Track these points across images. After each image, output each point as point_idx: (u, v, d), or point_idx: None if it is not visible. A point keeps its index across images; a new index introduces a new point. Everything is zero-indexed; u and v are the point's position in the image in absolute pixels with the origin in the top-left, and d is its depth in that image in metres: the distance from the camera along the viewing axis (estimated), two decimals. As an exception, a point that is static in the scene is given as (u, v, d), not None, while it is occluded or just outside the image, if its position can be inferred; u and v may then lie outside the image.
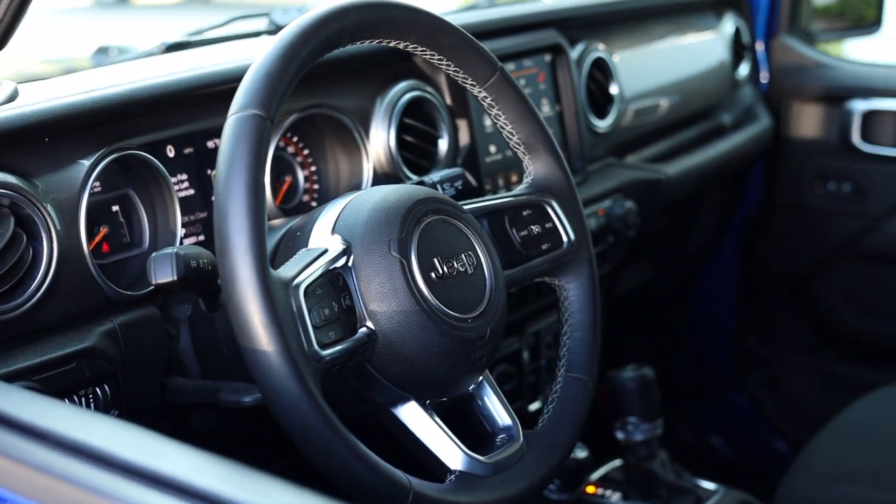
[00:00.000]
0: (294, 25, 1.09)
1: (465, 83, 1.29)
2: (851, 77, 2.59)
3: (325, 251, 1.10)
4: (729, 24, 2.52)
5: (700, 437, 2.91)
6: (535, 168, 1.35)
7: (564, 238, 1.34)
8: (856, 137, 2.55)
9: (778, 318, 2.83)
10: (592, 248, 1.37)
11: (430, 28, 1.23)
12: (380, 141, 1.51)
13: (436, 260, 1.15)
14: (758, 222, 2.77)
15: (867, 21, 2.90)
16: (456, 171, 1.42)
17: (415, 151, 1.58)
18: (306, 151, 1.51)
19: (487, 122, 1.69)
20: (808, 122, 2.64)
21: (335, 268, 1.10)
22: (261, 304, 0.96)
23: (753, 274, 2.83)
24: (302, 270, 1.05)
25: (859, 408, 2.09)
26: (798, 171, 2.66)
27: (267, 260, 0.98)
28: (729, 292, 2.87)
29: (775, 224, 2.74)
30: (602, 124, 1.97)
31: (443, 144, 1.61)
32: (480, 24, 1.71)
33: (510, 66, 1.75)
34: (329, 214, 1.16)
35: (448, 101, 1.63)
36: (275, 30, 1.73)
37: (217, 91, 1.33)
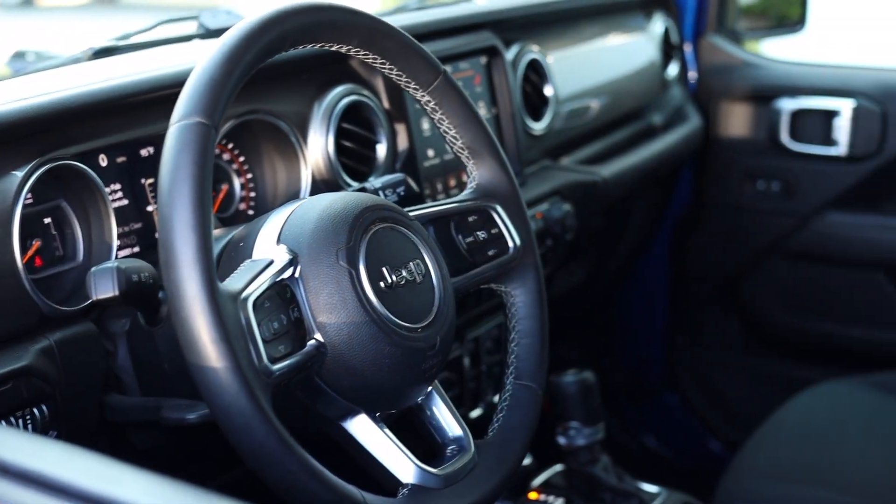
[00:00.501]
0: (236, 30, 1.06)
1: (408, 87, 1.27)
2: (779, 76, 2.61)
3: (271, 262, 1.07)
4: (658, 25, 2.53)
5: (635, 438, 2.92)
6: (479, 173, 1.33)
7: (510, 244, 1.33)
8: (784, 136, 2.57)
9: (709, 318, 2.85)
10: (538, 253, 1.36)
11: (373, 31, 1.21)
12: (318, 147, 1.48)
13: (384, 269, 1.12)
14: (688, 222, 2.78)
15: (791, 20, 2.93)
16: (398, 176, 1.40)
17: (353, 157, 1.55)
18: (242, 158, 1.47)
19: (425, 125, 1.67)
20: (736, 121, 2.66)
21: (282, 279, 1.06)
22: (210, 319, 0.93)
23: (684, 274, 2.84)
24: (249, 283, 1.02)
25: (794, 406, 2.11)
26: (727, 171, 2.67)
27: (215, 273, 0.95)
28: (660, 292, 2.88)
29: (705, 224, 2.76)
30: (537, 126, 1.95)
31: (381, 149, 1.58)
32: (415, 27, 1.68)
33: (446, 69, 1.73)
34: (273, 224, 1.13)
35: (386, 104, 1.60)
36: (205, 34, 1.69)
37: (151, 98, 1.28)
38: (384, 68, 1.24)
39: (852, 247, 2.56)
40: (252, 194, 1.48)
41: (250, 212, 1.47)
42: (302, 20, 1.12)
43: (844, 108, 2.50)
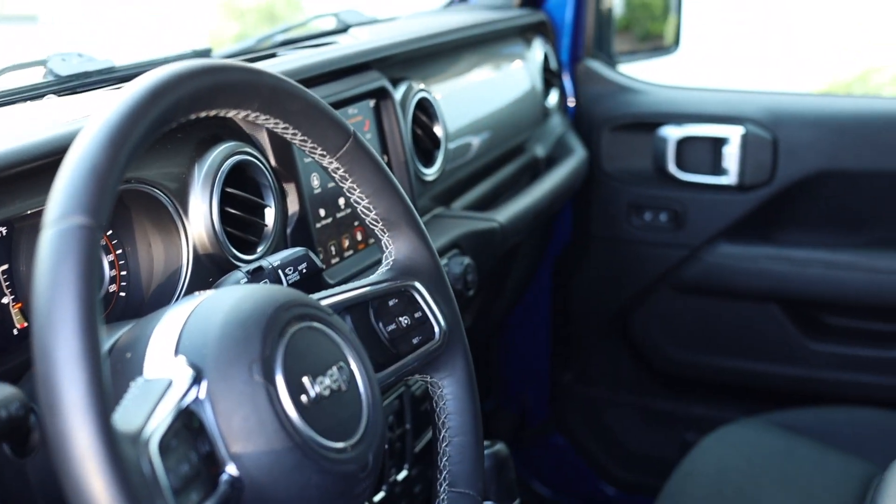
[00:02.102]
0: (120, 105, 0.85)
1: (314, 154, 1.08)
2: (663, 102, 2.50)
3: (171, 383, 0.87)
4: (537, 51, 2.39)
5: (522, 483, 2.77)
6: (396, 247, 1.15)
7: (436, 328, 1.15)
8: (671, 165, 2.46)
9: (597, 355, 2.73)
10: (465, 336, 1.19)
11: (275, 92, 1.02)
12: (200, 216, 1.27)
13: (306, 379, 0.93)
14: (571, 256, 2.66)
15: (656, 36, 2.84)
16: (298, 252, 1.21)
17: (238, 224, 1.34)
18: (110, 232, 1.25)
19: (315, 181, 1.48)
20: (620, 150, 2.54)
21: (187, 405, 0.86)
22: (108, 479, 0.73)
23: (569, 310, 2.71)
24: (149, 416, 0.82)
25: (702, 454, 1.99)
26: (612, 202, 2.55)
27: (110, 417, 0.75)
28: (543, 330, 2.75)
29: (590, 257, 2.63)
30: (430, 171, 1.78)
31: (270, 214, 1.38)
32: (298, 72, 1.49)
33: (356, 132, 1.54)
34: (167, 328, 0.93)
35: (273, 162, 1.40)
36: (57, 82, 1.46)
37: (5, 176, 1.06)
38: (287, 133, 1.05)
39: (745, 278, 2.47)
40: (123, 273, 1.26)
41: (122, 293, 1.26)
42: (197, 85, 0.92)
43: (733, 135, 2.41)
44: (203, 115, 0.95)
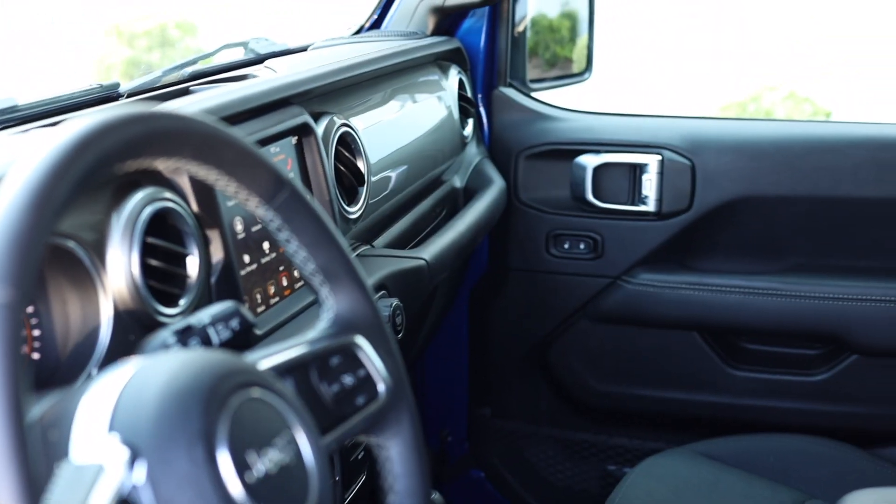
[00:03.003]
0: (42, 161, 0.77)
1: (247, 203, 1.01)
2: (580, 129, 2.47)
3: (103, 469, 0.78)
4: (453, 79, 2.34)
5: None
6: (336, 301, 1.08)
7: (381, 386, 1.08)
8: (589, 193, 2.43)
9: (516, 388, 2.68)
10: (411, 392, 1.12)
11: (207, 139, 0.94)
12: (120, 270, 1.18)
13: (250, 455, 0.85)
14: (488, 287, 2.60)
15: (574, 66, 2.82)
16: (228, 306, 1.13)
17: (158, 275, 1.26)
18: (21, 289, 1.16)
19: (239, 226, 1.40)
20: (538, 179, 2.50)
21: (124, 495, 0.78)
22: None
23: (487, 342, 2.66)
24: None
25: (629, 489, 1.95)
26: (530, 232, 2.51)
27: None
28: (461, 364, 2.69)
29: (508, 288, 2.58)
30: (353, 209, 1.71)
31: (193, 263, 1.29)
32: (217, 109, 1.41)
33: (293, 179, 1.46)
34: (97, 403, 0.84)
35: (195, 207, 1.32)
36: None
37: None
38: (220, 182, 0.98)
39: (665, 307, 2.45)
40: (36, 333, 1.17)
41: (35, 355, 1.16)
42: (125, 135, 0.84)
43: (651, 162, 2.39)
44: (132, 167, 0.87)
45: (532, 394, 2.67)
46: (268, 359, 1.00)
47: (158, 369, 0.86)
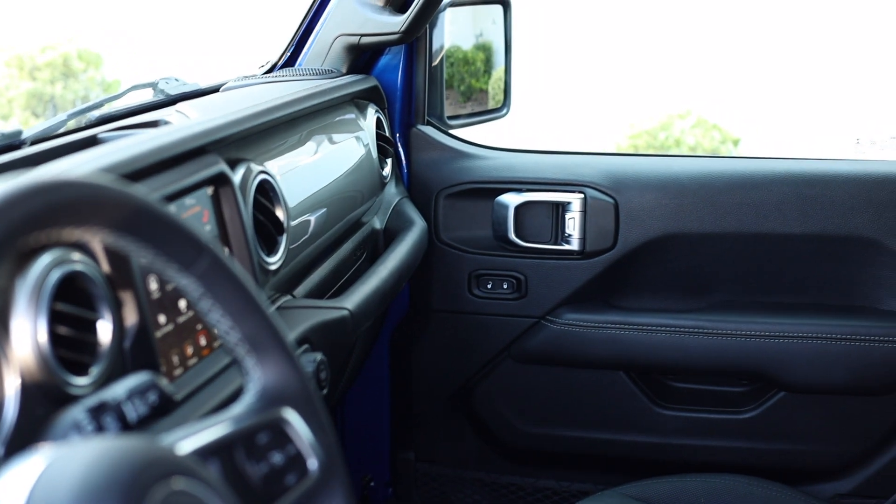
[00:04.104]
0: None
1: (166, 272, 0.94)
2: (501, 168, 2.43)
3: None
4: (371, 118, 2.28)
5: None
6: (263, 372, 1.01)
7: (312, 462, 1.01)
8: (511, 233, 2.38)
9: (439, 431, 2.62)
10: (344, 468, 1.05)
11: (121, 207, 0.87)
12: (25, 339, 1.09)
13: None
14: (409, 330, 2.54)
15: (490, 102, 2.78)
16: (144, 378, 1.05)
17: (66, 342, 1.17)
18: (-84, 364, 1.07)
19: (153, 285, 1.31)
20: (459, 218, 2.45)
21: None
22: None
23: (409, 385, 2.59)
24: None
25: None
26: (452, 272, 2.46)
27: None
28: (382, 408, 2.62)
29: (430, 330, 2.52)
30: (273, 259, 1.64)
31: (105, 328, 1.21)
32: (128, 162, 1.33)
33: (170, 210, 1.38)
34: (9, 493, 0.76)
35: (106, 268, 1.23)
36: None
37: None
38: (137, 251, 0.90)
39: (590, 347, 2.41)
40: (-67, 412, 1.07)
41: (-69, 434, 1.07)
42: (34, 206, 0.77)
43: (574, 200, 2.35)
44: (38, 240, 0.80)
45: (457, 437, 2.61)
46: (190, 440, 0.92)
47: (71, 463, 0.79)
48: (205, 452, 0.92)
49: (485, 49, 2.83)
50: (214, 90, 2.15)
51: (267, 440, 0.98)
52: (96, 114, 1.80)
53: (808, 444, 2.43)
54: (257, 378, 1.00)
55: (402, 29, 2.21)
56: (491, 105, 2.75)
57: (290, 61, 2.36)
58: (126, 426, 1.04)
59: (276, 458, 0.99)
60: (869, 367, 2.31)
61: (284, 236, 1.68)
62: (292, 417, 1.01)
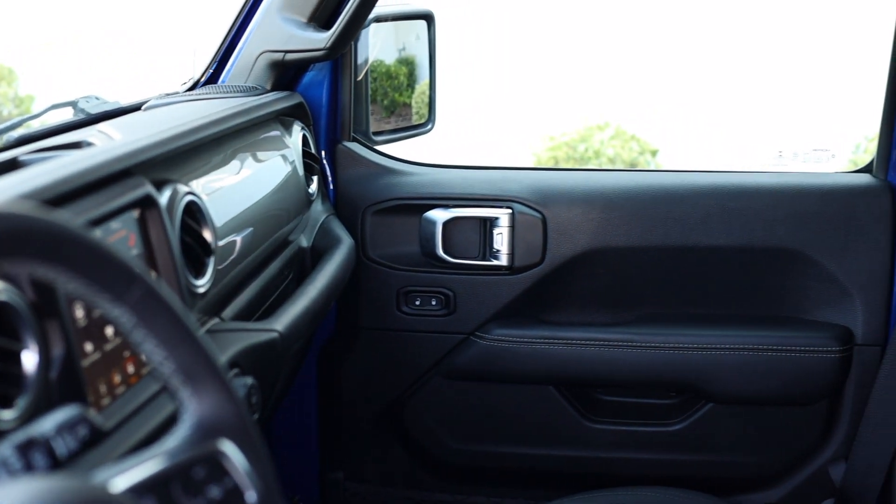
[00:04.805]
0: None
1: (97, 302, 0.91)
2: (428, 183, 2.42)
3: None
4: (297, 135, 2.25)
5: None
6: (198, 403, 0.98)
7: (250, 495, 0.98)
8: (439, 249, 2.37)
9: (369, 450, 2.59)
10: (282, 499, 1.03)
11: (49, 237, 0.84)
12: None
13: None
14: (337, 348, 2.51)
15: (414, 117, 2.76)
16: (73, 412, 1.02)
17: (-9, 374, 1.13)
18: None
19: (80, 313, 1.28)
20: (386, 235, 2.43)
21: None
22: None
23: (338, 405, 2.57)
24: None
25: None
26: (380, 290, 2.44)
27: None
28: (310, 428, 2.59)
29: (358, 349, 2.50)
30: (201, 282, 1.60)
31: (30, 359, 1.17)
32: (51, 187, 1.29)
33: (96, 234, 1.34)
34: None
35: (31, 296, 1.19)
36: None
37: None
38: (66, 282, 0.87)
39: (520, 362, 2.41)
40: None
41: None
42: None
43: (502, 216, 2.35)
44: None
45: (387, 455, 2.59)
46: (124, 476, 0.90)
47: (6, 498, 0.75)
48: (140, 489, 0.89)
49: (408, 63, 2.82)
50: (136, 108, 2.11)
51: (204, 474, 0.96)
52: (15, 134, 1.75)
53: (736, 455, 2.45)
54: (192, 409, 0.98)
55: (328, 45, 2.18)
56: (415, 120, 2.74)
57: (213, 78, 2.32)
58: (56, 463, 1.01)
59: (214, 491, 0.96)
60: (795, 376, 2.34)
61: (212, 258, 1.64)
62: (229, 449, 0.98)
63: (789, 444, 2.43)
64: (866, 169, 2.43)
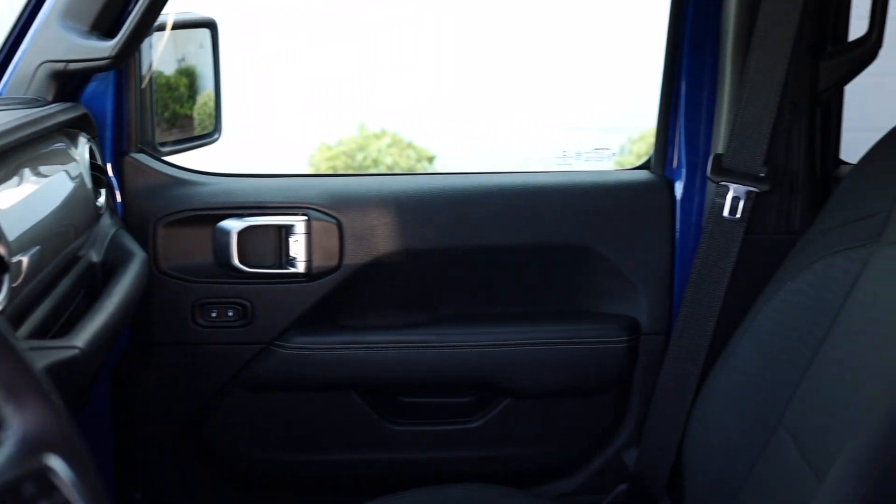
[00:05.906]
0: None
1: None
2: (221, 193, 2.39)
3: None
4: (83, 148, 2.19)
5: None
6: (21, 419, 0.94)
7: None
8: (235, 259, 2.35)
9: (169, 468, 2.53)
10: None
11: None
12: None
13: None
14: (130, 365, 2.45)
15: (197, 126, 2.72)
16: None
17: None
18: None
19: None
20: (179, 247, 2.39)
21: None
22: None
23: (133, 422, 2.50)
24: None
25: None
26: (174, 303, 2.39)
27: None
28: (105, 447, 2.51)
29: (153, 364, 2.45)
30: None
31: None
32: None
33: None
34: None
35: None
36: None
37: None
38: None
39: (320, 369, 2.41)
40: None
41: None
42: None
43: (297, 223, 2.35)
44: None
45: (188, 472, 2.54)
46: None
47: None
48: None
49: (188, 74, 2.78)
50: None
51: (33, 490, 0.92)
52: None
53: (535, 447, 2.52)
54: (16, 425, 0.94)
55: (113, 54, 2.13)
56: (198, 131, 2.70)
57: (-10, 90, 2.23)
58: None
59: None
60: (586, 367, 2.43)
61: (7, 275, 1.58)
62: (57, 465, 0.95)
63: (584, 434, 2.52)
64: (645, 166, 2.54)
